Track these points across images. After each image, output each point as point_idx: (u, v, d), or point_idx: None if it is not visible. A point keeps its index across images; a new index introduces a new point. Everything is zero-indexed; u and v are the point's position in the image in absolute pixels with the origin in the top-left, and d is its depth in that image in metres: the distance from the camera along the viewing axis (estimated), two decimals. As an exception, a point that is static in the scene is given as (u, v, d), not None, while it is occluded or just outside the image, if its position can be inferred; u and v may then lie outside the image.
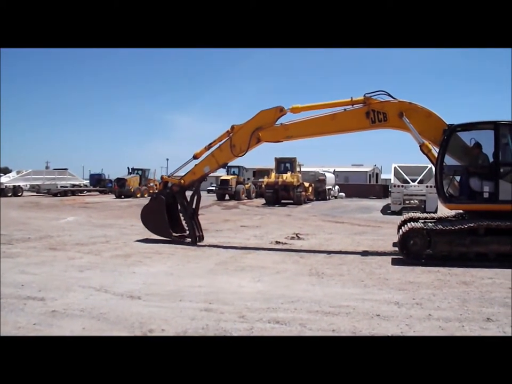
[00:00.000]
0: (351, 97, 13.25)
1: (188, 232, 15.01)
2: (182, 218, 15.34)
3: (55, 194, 47.98)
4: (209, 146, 14.84)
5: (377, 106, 12.96)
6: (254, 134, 14.04)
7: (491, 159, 11.89)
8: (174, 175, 15.97)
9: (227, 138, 14.53)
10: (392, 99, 12.96)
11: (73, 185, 54.25)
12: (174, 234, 15.00)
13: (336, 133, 14.30)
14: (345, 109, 13.37)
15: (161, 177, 16.36)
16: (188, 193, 15.48)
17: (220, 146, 14.66)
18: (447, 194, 12.18)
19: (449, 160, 12.29)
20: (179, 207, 15.34)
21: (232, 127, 14.46)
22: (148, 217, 15.34)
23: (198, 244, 14.60)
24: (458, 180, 12.53)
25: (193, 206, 15.19)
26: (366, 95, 13.04)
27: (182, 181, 15.06)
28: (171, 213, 15.17)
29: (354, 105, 13.28)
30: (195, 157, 15.09)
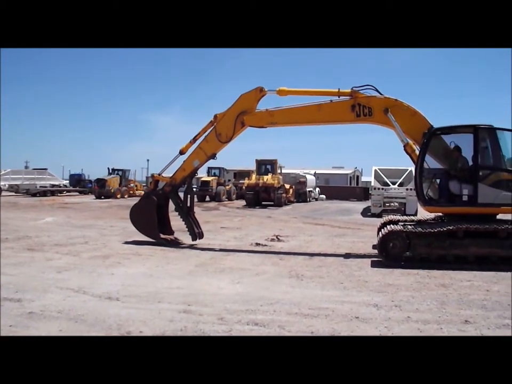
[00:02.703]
0: (338, 89, 13.27)
1: (187, 230, 14.81)
2: (177, 218, 15.17)
3: (34, 195, 47.32)
4: (195, 139, 14.76)
5: (363, 101, 13.01)
6: (239, 118, 14.00)
7: (471, 163, 11.99)
8: (163, 173, 15.74)
9: (211, 128, 14.45)
10: (379, 95, 13.01)
11: (53, 186, 53.50)
12: (161, 236, 14.81)
13: (320, 123, 14.51)
14: (331, 100, 13.41)
15: (152, 176, 16.15)
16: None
17: (206, 138, 14.56)
18: (426, 197, 12.26)
19: (433, 163, 12.39)
20: (170, 209, 15.21)
21: (215, 116, 14.40)
22: (137, 216, 15.15)
23: (181, 244, 14.56)
24: (438, 183, 12.61)
25: (188, 204, 15.07)
26: (354, 88, 13.09)
27: (174, 180, 14.94)
28: (160, 214, 14.98)
29: (341, 97, 13.33)
30: (181, 152, 14.99)
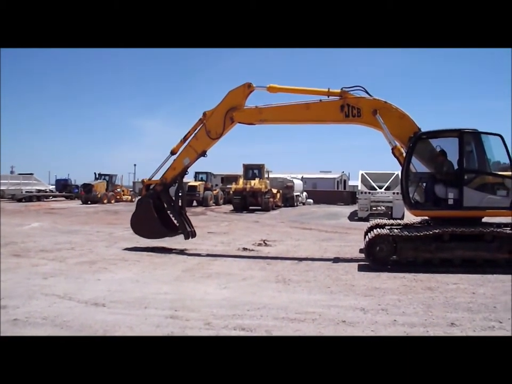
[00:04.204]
0: (328, 88, 13.36)
1: (180, 229, 14.81)
2: (171, 216, 15.15)
3: (19, 200, 46.97)
4: (185, 138, 14.73)
5: (353, 101, 13.10)
6: (228, 115, 14.03)
7: (456, 166, 12.06)
8: (154, 176, 15.61)
9: (201, 126, 14.45)
10: (368, 96, 13.11)
11: (39, 191, 53.07)
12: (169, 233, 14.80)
13: (309, 122, 14.62)
14: (320, 100, 13.49)
15: (142, 181, 16.00)
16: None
17: (196, 135, 14.54)
18: (413, 201, 12.32)
19: (420, 166, 12.48)
20: (165, 206, 15.13)
21: (204, 114, 14.38)
22: (139, 225, 14.89)
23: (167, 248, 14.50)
24: (424, 187, 12.67)
25: (180, 203, 15.03)
26: (344, 88, 13.16)
27: (164, 179, 14.86)
28: (160, 215, 14.80)
29: (330, 97, 13.42)
30: (173, 152, 14.92)
